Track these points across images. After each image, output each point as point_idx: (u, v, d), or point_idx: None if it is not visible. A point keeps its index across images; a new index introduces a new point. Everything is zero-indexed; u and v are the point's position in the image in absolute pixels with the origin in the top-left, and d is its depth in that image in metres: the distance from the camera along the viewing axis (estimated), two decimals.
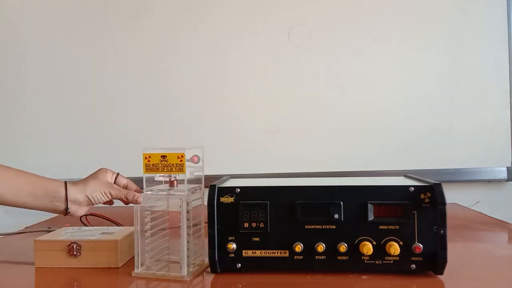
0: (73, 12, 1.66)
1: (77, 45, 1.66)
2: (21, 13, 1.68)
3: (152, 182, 0.83)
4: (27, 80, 1.67)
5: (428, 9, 1.57)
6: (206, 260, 0.84)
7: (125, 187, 0.90)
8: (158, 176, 0.83)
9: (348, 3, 1.59)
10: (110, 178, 0.89)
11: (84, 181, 0.87)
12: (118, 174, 0.90)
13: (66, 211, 0.85)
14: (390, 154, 1.57)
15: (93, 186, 0.85)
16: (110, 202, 0.91)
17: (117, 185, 0.89)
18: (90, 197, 0.85)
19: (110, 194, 0.86)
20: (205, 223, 0.87)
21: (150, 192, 0.84)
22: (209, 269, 0.81)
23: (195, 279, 0.80)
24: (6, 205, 0.84)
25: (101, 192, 0.85)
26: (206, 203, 0.85)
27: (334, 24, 1.60)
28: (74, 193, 0.85)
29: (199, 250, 0.85)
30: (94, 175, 0.88)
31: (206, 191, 0.87)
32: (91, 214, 1.16)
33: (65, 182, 0.86)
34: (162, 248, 0.88)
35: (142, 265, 0.83)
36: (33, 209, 0.85)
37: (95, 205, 0.89)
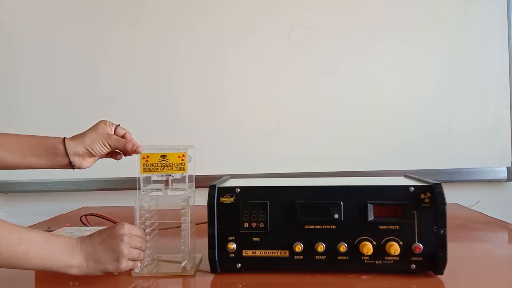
0: (70, 12, 1.66)
1: (75, 45, 1.65)
2: (18, 12, 1.67)
3: (145, 182, 0.84)
4: (24, 80, 1.67)
5: (428, 9, 1.57)
6: (198, 258, 0.86)
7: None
8: (156, 176, 0.83)
9: (348, 3, 1.59)
10: (110, 129, 0.88)
11: (83, 133, 0.87)
12: (118, 125, 0.90)
13: (71, 165, 0.85)
14: (390, 154, 1.57)
15: (91, 138, 0.85)
16: (113, 155, 0.90)
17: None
18: (90, 149, 0.85)
19: (109, 144, 0.86)
20: (197, 223, 0.88)
21: (150, 192, 0.84)
22: (203, 267, 0.81)
23: (197, 276, 0.80)
24: (12, 168, 0.85)
25: (100, 143, 0.85)
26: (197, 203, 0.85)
27: (334, 24, 1.60)
28: (73, 146, 0.85)
29: (192, 248, 0.86)
30: (93, 127, 0.88)
31: (200, 191, 0.87)
32: (90, 214, 1.16)
33: (64, 138, 0.86)
34: (155, 247, 0.88)
35: (142, 264, 0.83)
36: (40, 168, 0.86)
37: (99, 157, 0.89)
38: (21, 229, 0.70)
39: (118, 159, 0.91)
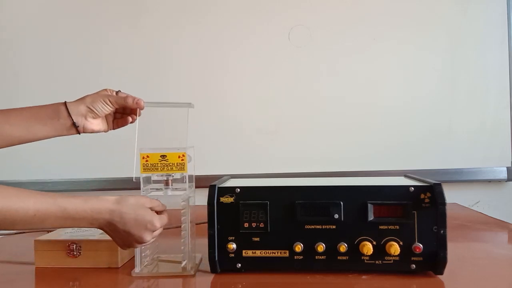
0: (70, 12, 1.66)
1: (74, 45, 1.65)
2: (18, 13, 1.67)
3: (145, 182, 0.84)
4: (24, 80, 1.67)
5: (428, 9, 1.57)
6: (198, 258, 0.86)
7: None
8: (156, 176, 0.83)
9: (348, 3, 1.59)
10: (110, 92, 0.89)
11: (84, 96, 0.88)
12: (119, 91, 0.91)
13: (74, 126, 0.85)
14: (390, 154, 1.57)
15: (92, 97, 0.86)
16: (118, 120, 0.92)
17: None
18: (92, 107, 0.85)
19: (110, 101, 0.86)
20: (197, 223, 0.88)
21: (150, 191, 0.84)
22: (203, 267, 0.81)
23: (197, 276, 0.80)
24: (18, 143, 0.85)
25: (101, 101, 0.86)
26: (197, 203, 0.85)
27: (334, 24, 1.60)
28: (75, 106, 0.85)
29: (192, 248, 0.86)
30: (94, 92, 0.89)
31: (200, 191, 0.87)
32: None
33: (65, 101, 0.86)
34: (155, 247, 0.88)
35: (142, 264, 0.83)
36: (45, 137, 0.86)
37: (103, 120, 0.89)
38: (37, 199, 0.69)
39: (126, 124, 0.92)
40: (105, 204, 0.73)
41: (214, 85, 1.62)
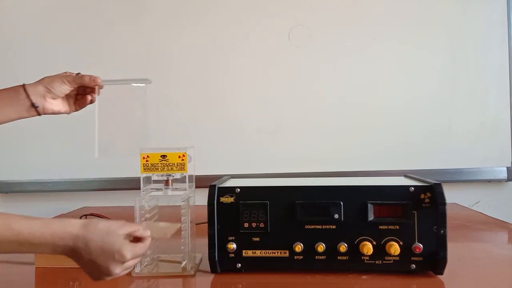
0: (70, 12, 1.66)
1: (74, 45, 1.65)
2: (18, 13, 1.67)
3: (146, 182, 0.84)
4: (24, 80, 1.66)
5: (428, 9, 1.57)
6: (198, 258, 0.86)
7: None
8: (156, 176, 0.83)
9: (348, 3, 1.59)
10: (70, 73, 0.89)
11: (43, 78, 0.89)
12: (78, 73, 0.90)
13: (34, 106, 0.86)
14: (390, 154, 1.57)
15: (50, 78, 0.87)
16: (79, 101, 0.92)
17: None
18: (49, 87, 0.86)
19: (68, 81, 0.87)
20: (197, 224, 0.88)
21: (150, 191, 0.84)
22: (203, 267, 0.81)
23: (197, 276, 0.80)
24: None
25: (58, 82, 0.86)
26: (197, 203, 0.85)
27: (334, 24, 1.60)
28: (32, 87, 0.87)
29: (192, 248, 0.85)
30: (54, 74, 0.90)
31: (200, 191, 0.87)
32: (91, 214, 1.16)
33: (23, 83, 0.88)
34: (155, 247, 0.88)
35: (142, 264, 0.83)
36: (7, 120, 0.87)
37: (62, 100, 0.89)
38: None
39: (86, 104, 0.92)
40: (68, 228, 0.63)
41: (214, 85, 1.62)
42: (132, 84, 0.90)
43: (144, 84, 0.88)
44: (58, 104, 0.89)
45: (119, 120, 0.95)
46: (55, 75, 0.88)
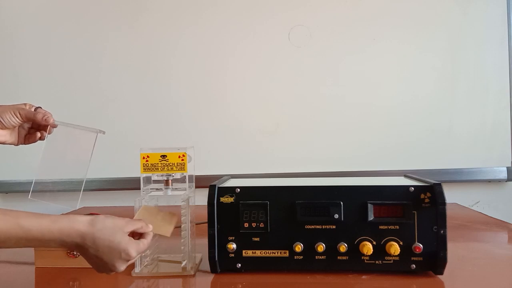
0: (70, 12, 1.66)
1: (74, 45, 1.65)
2: (18, 13, 1.67)
3: (146, 182, 0.84)
4: (23, 80, 1.67)
5: (428, 9, 1.57)
6: (198, 258, 0.85)
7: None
8: (156, 176, 0.83)
9: (348, 3, 1.59)
10: (29, 106, 0.87)
11: None
12: (39, 107, 0.88)
13: None
14: (390, 154, 1.57)
15: (3, 108, 0.84)
16: (30, 135, 0.89)
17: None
18: (0, 119, 0.84)
19: (20, 114, 0.84)
20: (197, 223, 0.88)
21: (150, 191, 0.84)
22: (203, 267, 0.81)
23: (197, 276, 0.80)
24: None
25: (11, 113, 0.84)
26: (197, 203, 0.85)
27: (334, 24, 1.60)
28: None
29: (192, 248, 0.85)
30: (11, 104, 0.87)
31: (200, 191, 0.87)
32: (91, 214, 1.16)
33: None
34: (155, 247, 0.88)
35: (142, 264, 0.83)
36: None
37: (12, 131, 0.87)
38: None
39: (35, 140, 0.90)
40: (76, 226, 0.65)
41: (214, 85, 1.62)
42: (85, 130, 0.87)
43: (96, 133, 0.85)
44: (5, 135, 0.87)
45: (61, 166, 0.93)
46: (10, 105, 0.85)
